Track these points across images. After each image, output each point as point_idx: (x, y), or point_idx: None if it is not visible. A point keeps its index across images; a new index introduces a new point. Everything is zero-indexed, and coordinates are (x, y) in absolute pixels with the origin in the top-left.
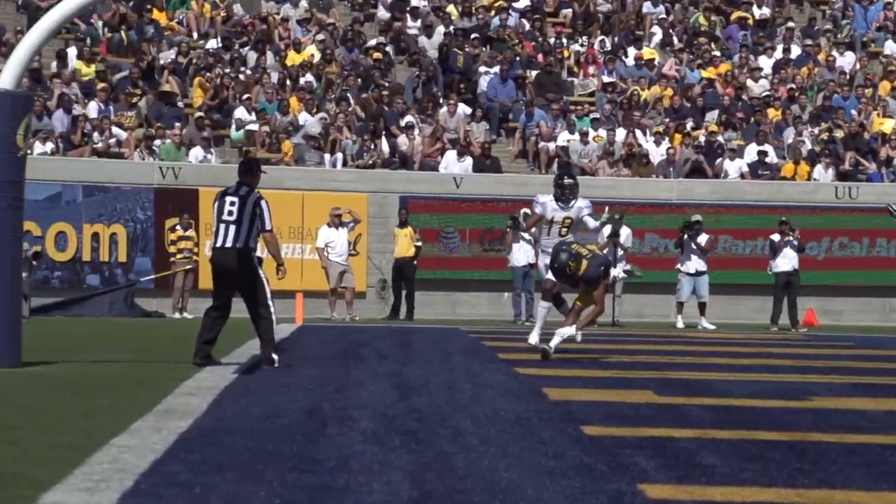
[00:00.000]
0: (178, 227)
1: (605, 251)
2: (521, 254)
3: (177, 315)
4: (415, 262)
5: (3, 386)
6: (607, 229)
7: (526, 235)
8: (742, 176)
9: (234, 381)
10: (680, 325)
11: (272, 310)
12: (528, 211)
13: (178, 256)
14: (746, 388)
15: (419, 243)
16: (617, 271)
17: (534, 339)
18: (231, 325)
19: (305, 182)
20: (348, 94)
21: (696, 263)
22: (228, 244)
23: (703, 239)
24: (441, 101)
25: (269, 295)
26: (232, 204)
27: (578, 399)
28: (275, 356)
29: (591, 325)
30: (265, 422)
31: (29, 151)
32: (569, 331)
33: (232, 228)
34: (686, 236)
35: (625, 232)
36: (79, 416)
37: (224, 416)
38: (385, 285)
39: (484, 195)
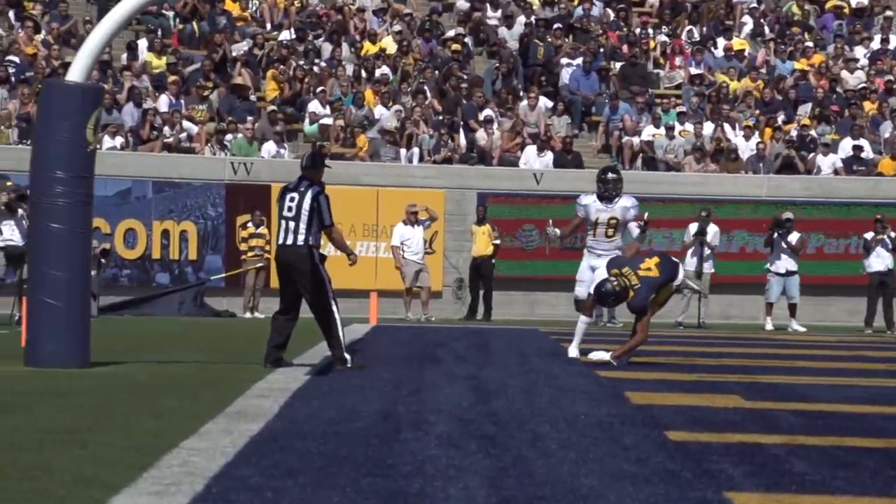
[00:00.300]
0: (249, 224)
1: (690, 250)
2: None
3: (248, 315)
4: (493, 261)
5: (72, 387)
6: (693, 227)
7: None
8: (836, 172)
9: (307, 383)
10: (769, 326)
11: (334, 308)
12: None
13: (250, 255)
14: (838, 393)
15: (497, 241)
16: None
17: (573, 352)
18: (302, 326)
19: (380, 178)
20: (425, 87)
21: (786, 263)
22: (289, 241)
23: (793, 238)
24: (521, 93)
25: (331, 294)
26: (292, 200)
27: (662, 403)
28: (347, 356)
29: (628, 354)
30: (338, 425)
31: (98, 146)
32: (602, 356)
33: (291, 225)
34: (776, 235)
35: (712, 230)
36: (147, 417)
37: (296, 418)
38: (462, 284)
39: (565, 191)
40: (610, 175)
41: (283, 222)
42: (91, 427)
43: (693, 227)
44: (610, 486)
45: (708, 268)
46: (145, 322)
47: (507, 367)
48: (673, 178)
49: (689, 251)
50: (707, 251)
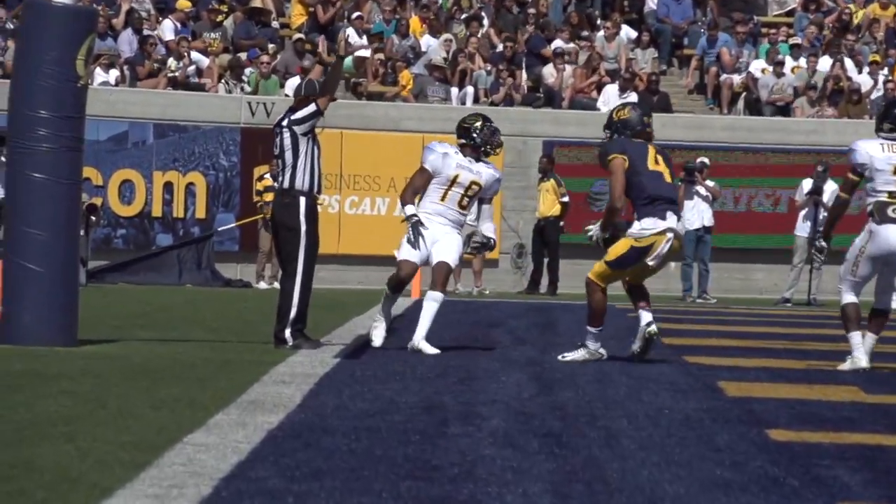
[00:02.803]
0: (266, 175)
1: (803, 212)
2: (693, 214)
3: (263, 285)
4: (561, 224)
5: (56, 370)
6: (807, 184)
7: (702, 191)
8: None
9: (336, 368)
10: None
11: (299, 276)
12: (705, 160)
13: (263, 214)
14: None
15: (566, 198)
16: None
17: (377, 339)
18: (328, 297)
19: (427, 122)
20: (482, 13)
21: None
22: (276, 186)
23: None
24: (598, 21)
25: (303, 256)
26: (276, 136)
27: (763, 396)
28: (288, 335)
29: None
30: (373, 418)
31: (90, 81)
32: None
33: (279, 165)
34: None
35: (829, 188)
36: (146, 407)
37: (323, 410)
38: (523, 251)
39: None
40: (491, 124)
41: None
42: (79, 418)
43: (806, 185)
44: (699, 495)
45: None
46: (143, 291)
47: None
48: (782, 125)
49: (802, 213)
50: (823, 213)
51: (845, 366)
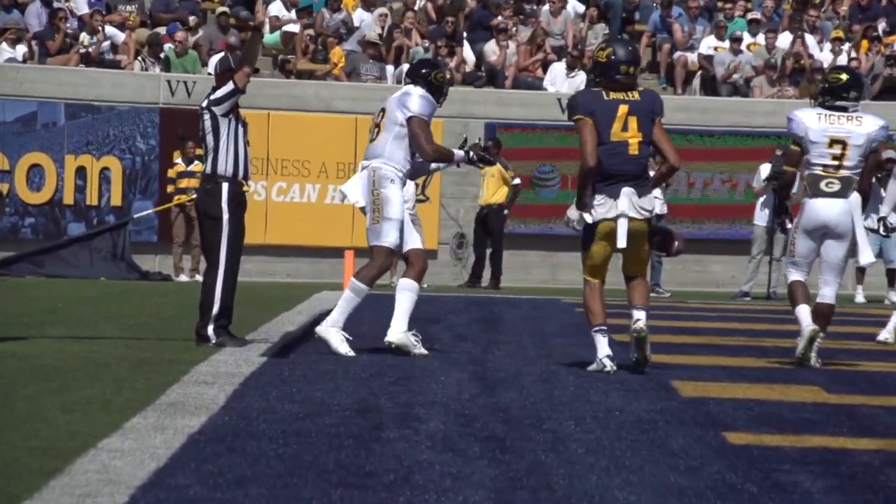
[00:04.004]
0: (179, 160)
1: (761, 199)
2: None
3: (184, 277)
4: (505, 212)
5: None
6: (765, 170)
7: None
8: None
9: (262, 367)
10: (860, 298)
11: (222, 267)
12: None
13: (177, 200)
14: None
15: (517, 181)
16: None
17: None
18: (256, 290)
19: (361, 102)
20: None
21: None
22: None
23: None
24: None
25: (226, 246)
26: (200, 118)
27: (720, 396)
28: (210, 332)
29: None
30: (303, 421)
31: None
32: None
33: (203, 148)
34: (875, 179)
35: None
36: (56, 410)
37: (248, 412)
38: (464, 242)
39: None
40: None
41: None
42: None
43: (765, 170)
44: (652, 503)
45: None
46: (53, 285)
47: (522, 348)
48: (739, 106)
49: (760, 200)
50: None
51: (799, 346)
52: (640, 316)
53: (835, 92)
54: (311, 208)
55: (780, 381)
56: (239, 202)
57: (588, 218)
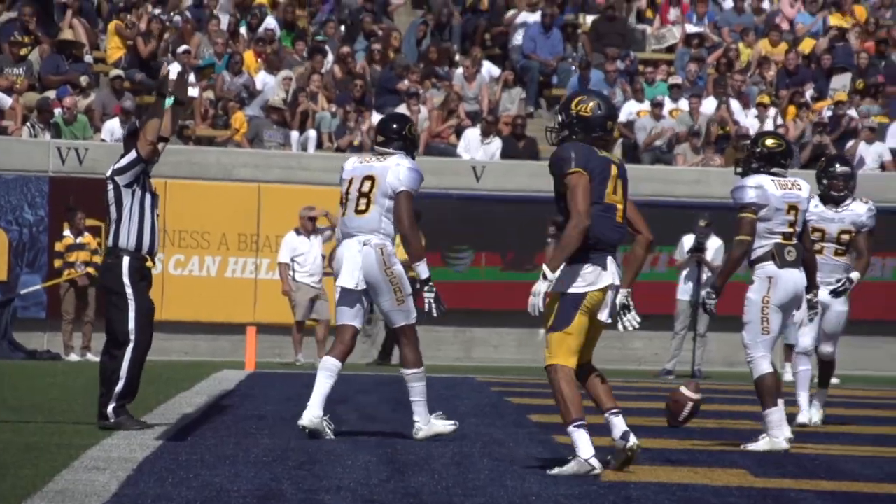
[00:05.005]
0: (67, 232)
1: (684, 272)
2: None
3: (74, 356)
4: (418, 285)
5: None
6: (689, 241)
7: None
8: (882, 167)
9: (158, 451)
10: (789, 376)
11: (131, 345)
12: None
13: (67, 274)
14: (880, 468)
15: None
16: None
17: None
18: (151, 371)
19: (264, 170)
20: (326, 47)
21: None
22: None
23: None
24: (457, 57)
25: (132, 323)
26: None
27: (642, 480)
28: (111, 411)
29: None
30: None
31: None
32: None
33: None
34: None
35: (714, 245)
36: None
37: (142, 500)
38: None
39: (515, 191)
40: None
41: None
42: None
43: (688, 241)
44: None
45: (707, 296)
46: None
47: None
48: (662, 174)
49: (683, 274)
50: (707, 274)
51: (759, 445)
52: (623, 427)
53: (773, 159)
54: (211, 282)
55: (705, 463)
56: (142, 276)
57: (576, 288)
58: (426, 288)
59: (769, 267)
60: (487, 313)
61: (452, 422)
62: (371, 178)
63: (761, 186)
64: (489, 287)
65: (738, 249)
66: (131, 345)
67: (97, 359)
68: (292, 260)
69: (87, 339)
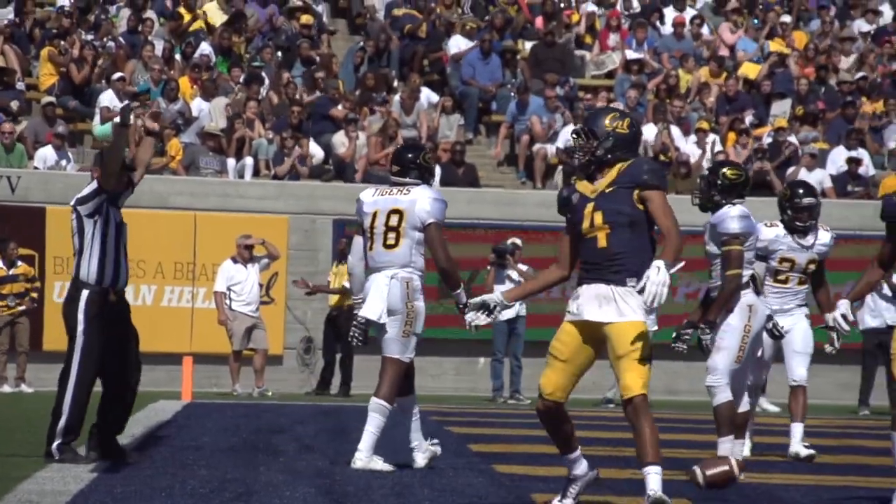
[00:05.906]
0: (0, 264)
1: None
2: None
3: (7, 388)
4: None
5: None
6: None
7: (514, 275)
8: (824, 193)
9: (92, 484)
10: (770, 406)
11: (73, 377)
12: (517, 241)
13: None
14: (821, 496)
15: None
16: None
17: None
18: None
19: (200, 198)
20: (263, 74)
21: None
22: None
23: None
24: (395, 83)
25: (77, 359)
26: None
27: None
28: (55, 448)
29: None
30: None
31: None
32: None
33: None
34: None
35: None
36: None
37: None
38: (311, 346)
39: (454, 218)
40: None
41: None
42: None
43: None
44: None
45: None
46: None
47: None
48: None
49: None
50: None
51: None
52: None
53: (734, 190)
54: (146, 311)
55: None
56: (99, 311)
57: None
58: (466, 310)
59: (749, 295)
60: (426, 341)
61: (391, 466)
62: (399, 211)
63: (748, 216)
64: (427, 315)
65: (731, 284)
66: (72, 382)
67: (31, 390)
68: (229, 289)
69: (21, 369)
